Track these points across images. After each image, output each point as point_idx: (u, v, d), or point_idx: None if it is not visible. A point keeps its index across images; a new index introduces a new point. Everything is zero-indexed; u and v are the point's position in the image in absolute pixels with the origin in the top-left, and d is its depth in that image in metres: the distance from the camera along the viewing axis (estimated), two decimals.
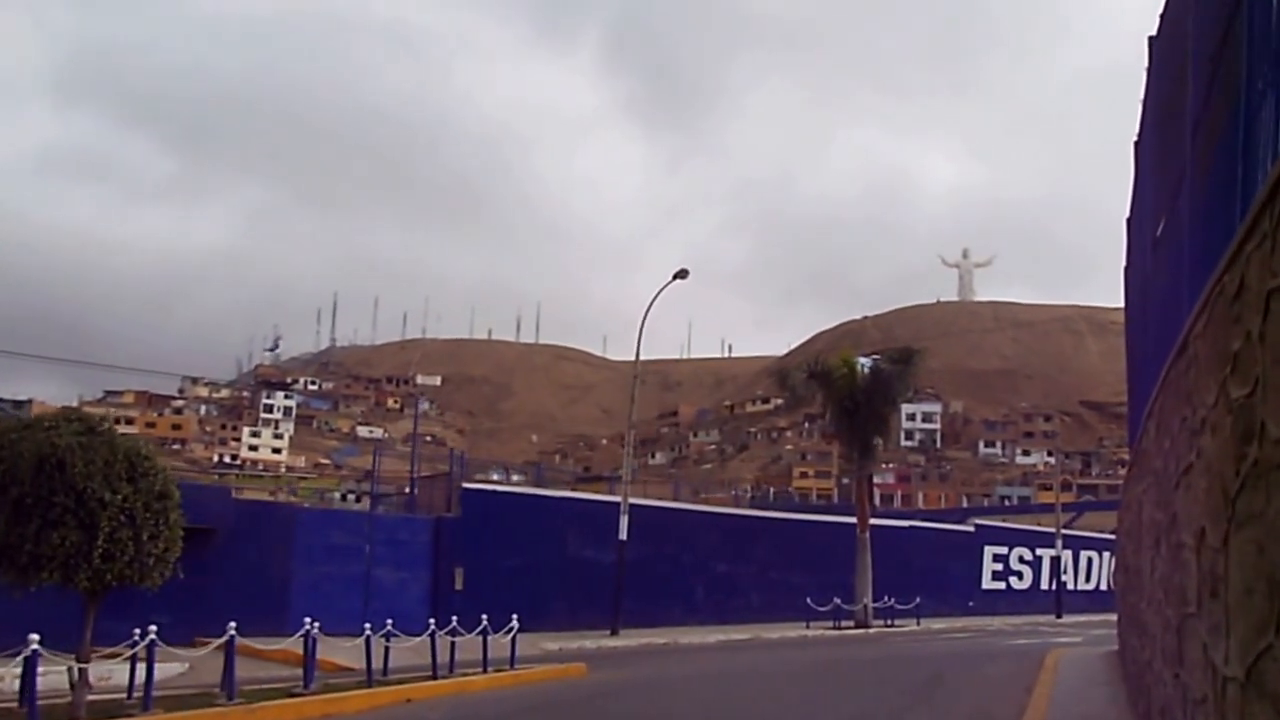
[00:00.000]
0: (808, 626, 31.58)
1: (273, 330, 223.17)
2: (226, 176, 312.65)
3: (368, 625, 15.63)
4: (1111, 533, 46.61)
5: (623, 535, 29.08)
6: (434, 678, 15.50)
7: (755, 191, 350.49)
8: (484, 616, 17.77)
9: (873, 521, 35.99)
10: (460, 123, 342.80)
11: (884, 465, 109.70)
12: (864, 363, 36.04)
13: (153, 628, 12.50)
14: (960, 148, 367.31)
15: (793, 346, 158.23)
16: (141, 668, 12.53)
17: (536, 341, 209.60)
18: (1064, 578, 43.88)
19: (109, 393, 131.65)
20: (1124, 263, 13.87)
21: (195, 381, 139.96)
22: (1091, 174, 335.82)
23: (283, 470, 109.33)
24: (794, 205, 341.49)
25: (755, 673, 19.55)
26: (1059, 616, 40.54)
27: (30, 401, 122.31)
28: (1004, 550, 43.35)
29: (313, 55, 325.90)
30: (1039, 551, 44.31)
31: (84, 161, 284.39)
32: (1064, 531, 44.93)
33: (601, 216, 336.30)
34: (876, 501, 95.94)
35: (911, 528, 42.20)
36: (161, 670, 16.77)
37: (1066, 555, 44.60)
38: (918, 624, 34.45)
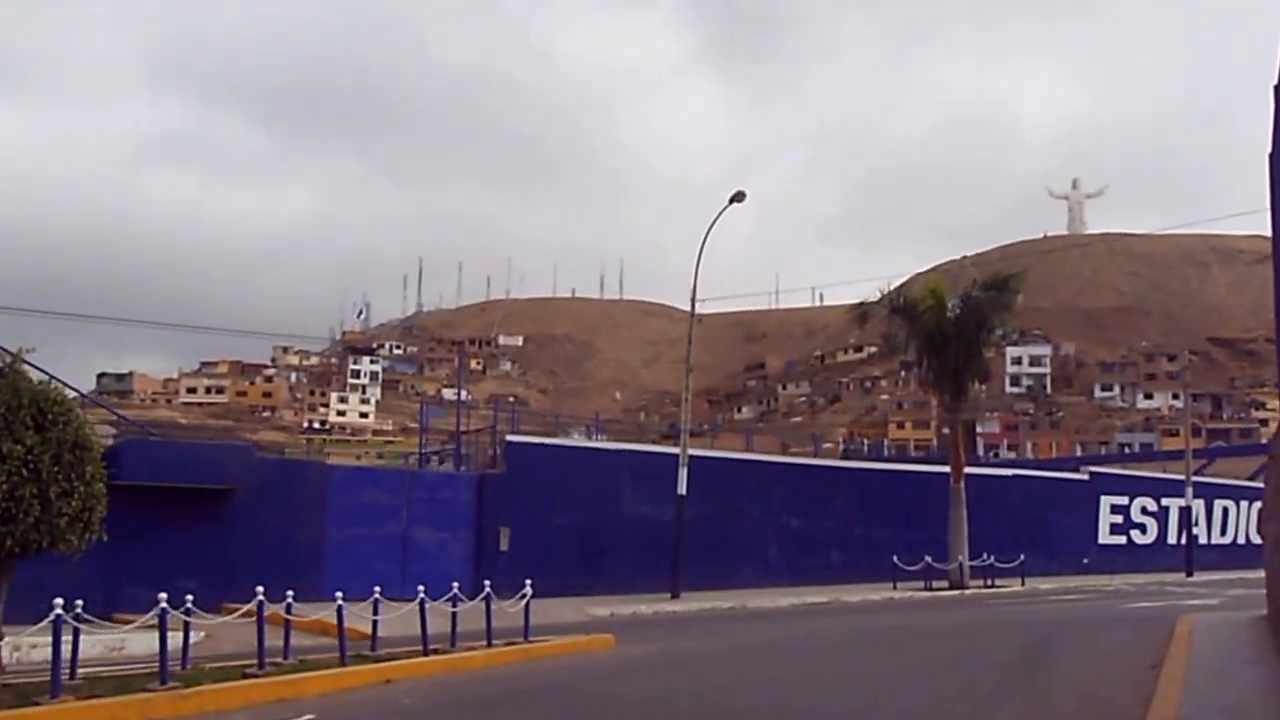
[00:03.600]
0: (894, 588, 28.65)
1: (362, 297, 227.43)
2: (312, 149, 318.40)
3: (374, 589, 13.93)
4: (1251, 478, 41.92)
5: (681, 489, 26.24)
6: (425, 653, 13.38)
7: (840, 133, 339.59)
8: (528, 581, 16.03)
9: (969, 470, 32.37)
10: (539, 82, 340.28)
11: (988, 413, 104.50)
12: (954, 303, 32.07)
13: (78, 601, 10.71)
14: (1063, 72, 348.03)
15: (886, 292, 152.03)
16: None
17: (620, 298, 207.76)
18: (1195, 530, 39.26)
19: (205, 363, 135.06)
20: (1270, 197, 11.00)
21: (286, 350, 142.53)
22: (1214, 91, 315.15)
23: (369, 435, 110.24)
24: (882, 145, 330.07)
25: (819, 642, 16.99)
26: (1189, 574, 36.33)
27: (132, 374, 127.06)
28: (1124, 500, 38.98)
29: (390, 22, 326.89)
30: (1165, 501, 39.78)
31: (177, 144, 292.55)
32: (1195, 479, 40.21)
33: (683, 169, 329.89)
34: (980, 451, 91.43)
35: (1015, 477, 38.28)
36: (177, 639, 15.43)
37: (1198, 505, 39.92)
38: (1022, 584, 31.04)
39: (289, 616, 12.67)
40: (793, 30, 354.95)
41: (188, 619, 11.92)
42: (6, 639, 10.74)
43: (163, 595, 10.76)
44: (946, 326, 30.52)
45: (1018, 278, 31.93)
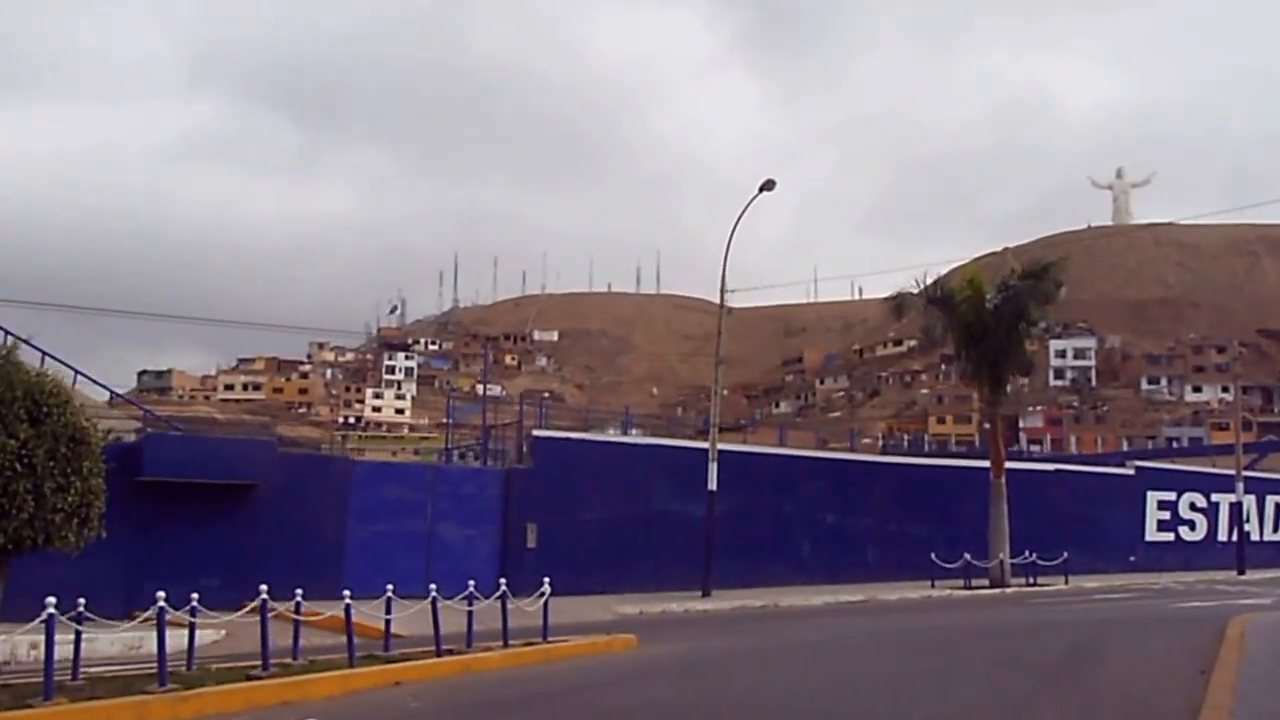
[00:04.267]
0: (932, 586, 27.90)
1: (398, 294, 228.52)
2: (348, 146, 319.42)
3: (387, 587, 13.57)
4: None
5: (712, 485, 25.70)
6: (438, 654, 12.97)
7: (879, 124, 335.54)
8: (546, 579, 15.55)
9: (1010, 465, 31.50)
10: (574, 76, 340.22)
11: (1031, 407, 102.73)
12: (993, 293, 31.15)
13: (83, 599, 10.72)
14: (1106, 59, 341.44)
15: (923, 282, 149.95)
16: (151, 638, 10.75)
17: (656, 292, 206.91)
18: (1246, 527, 37.93)
19: (242, 360, 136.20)
20: None
21: (322, 347, 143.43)
22: (1262, 77, 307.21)
23: (405, 430, 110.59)
24: (922, 136, 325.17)
25: (850, 643, 16.42)
26: (1241, 572, 35.12)
27: (171, 371, 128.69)
28: (1171, 496, 37.77)
29: (425, 18, 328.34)
30: (1215, 497, 38.48)
31: (215, 143, 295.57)
32: (1245, 473, 38.87)
33: (719, 161, 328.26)
34: (1023, 446, 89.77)
35: (1057, 471, 37.20)
36: (197, 638, 15.23)
37: (1249, 501, 38.56)
38: (1065, 583, 30.11)
39: (298, 616, 12.31)
40: (830, 21, 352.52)
41: (193, 619, 11.60)
42: (2, 637, 10.45)
43: (160, 594, 10.40)
44: (985, 317, 29.70)
45: (1057, 266, 30.99)
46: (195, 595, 11.68)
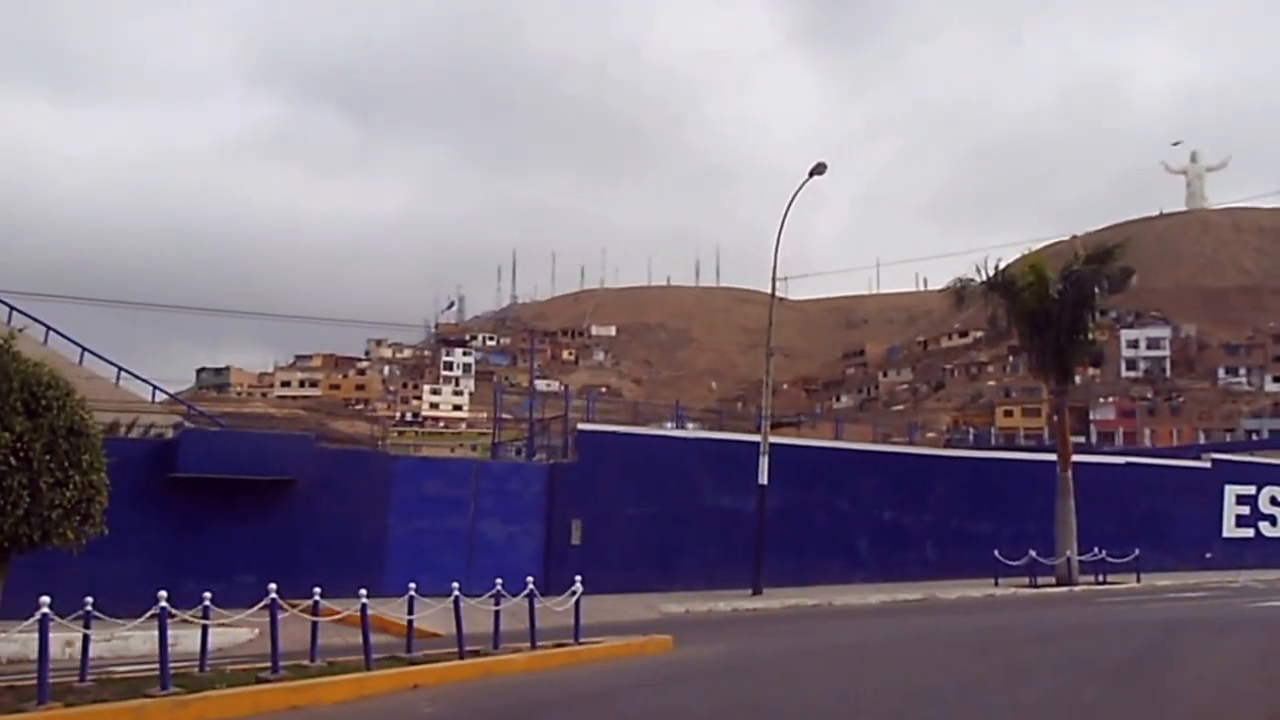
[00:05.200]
0: (996, 584, 26.77)
1: (457, 290, 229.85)
2: (406, 142, 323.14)
3: (410, 586, 13.05)
4: None
5: (762, 479, 24.89)
6: (460, 656, 12.41)
7: (943, 112, 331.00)
8: (577, 577, 14.84)
9: (1078, 458, 30.16)
10: (632, 69, 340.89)
11: (1102, 399, 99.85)
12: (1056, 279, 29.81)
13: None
14: (1179, 40, 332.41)
15: (992, 274, 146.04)
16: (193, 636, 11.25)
17: (716, 285, 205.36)
18: None
19: (299, 357, 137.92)
20: None
21: (379, 343, 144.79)
22: None
23: (463, 427, 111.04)
24: (987, 123, 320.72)
25: (902, 645, 15.57)
26: None
27: (229, 368, 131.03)
28: (1250, 490, 35.96)
29: (482, 14, 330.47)
30: None
31: (274, 141, 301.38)
32: None
33: (780, 153, 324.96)
34: (1094, 439, 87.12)
35: (1128, 465, 35.62)
36: (229, 636, 15.12)
37: None
38: (1137, 580, 28.74)
39: (316, 617, 11.84)
40: (893, 8, 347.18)
41: (206, 619, 11.19)
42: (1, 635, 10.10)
43: (163, 593, 9.96)
44: (1049, 305, 28.43)
45: (1121, 248, 29.57)
46: (208, 595, 11.33)
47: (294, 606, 12.14)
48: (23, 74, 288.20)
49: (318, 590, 12.03)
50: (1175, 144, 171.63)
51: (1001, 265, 30.04)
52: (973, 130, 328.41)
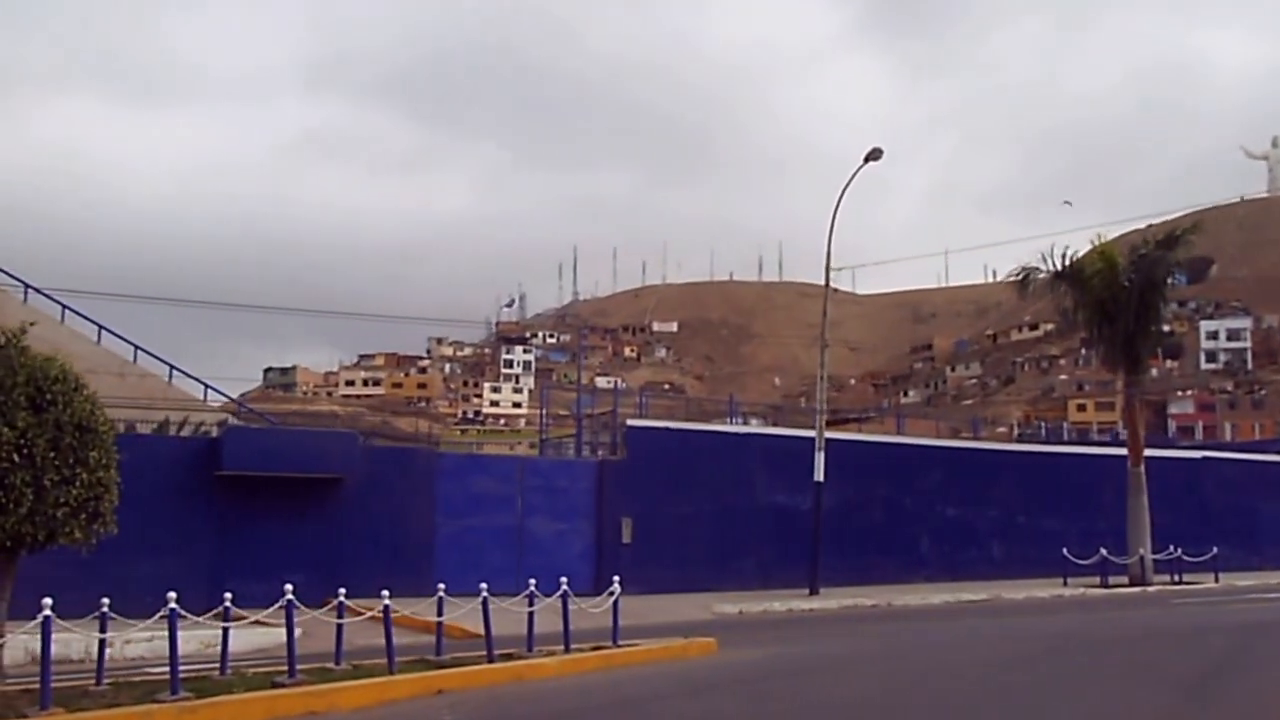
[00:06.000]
0: (1065, 584, 25.77)
1: (518, 288, 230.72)
2: (466, 141, 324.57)
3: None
4: None
5: (818, 475, 24.15)
6: (489, 660, 11.91)
7: (1012, 100, 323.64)
8: (615, 577, 14.46)
9: (1152, 453, 28.86)
10: (692, 63, 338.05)
11: (1180, 392, 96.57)
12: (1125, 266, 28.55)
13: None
14: (1258, 20, 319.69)
15: (1051, 257, 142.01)
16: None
17: (780, 280, 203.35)
18: None
19: (363, 356, 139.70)
20: None
21: (440, 341, 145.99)
22: None
23: (523, 424, 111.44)
24: (1059, 111, 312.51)
25: (962, 649, 14.75)
26: None
27: (295, 368, 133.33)
28: None
29: (540, 11, 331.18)
30: None
31: (335, 141, 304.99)
32: None
33: (844, 145, 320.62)
34: (1171, 433, 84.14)
35: (1205, 459, 34.15)
36: (272, 637, 15.02)
37: None
38: (1215, 580, 27.50)
39: (340, 619, 11.51)
40: None
41: (226, 622, 10.91)
42: (6, 639, 9.92)
43: (172, 595, 9.66)
44: (1119, 293, 27.24)
45: (1190, 231, 28.20)
46: (228, 595, 11.02)
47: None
48: (89, 79, 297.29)
49: (342, 591, 11.74)
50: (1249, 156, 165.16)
51: (1072, 256, 28.85)
52: (1042, 119, 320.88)
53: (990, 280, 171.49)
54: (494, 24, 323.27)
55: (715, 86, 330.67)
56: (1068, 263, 28.41)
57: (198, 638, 14.66)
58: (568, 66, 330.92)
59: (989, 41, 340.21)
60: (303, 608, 11.30)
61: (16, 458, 8.62)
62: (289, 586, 10.74)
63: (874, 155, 24.84)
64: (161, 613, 9.56)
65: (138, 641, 14.44)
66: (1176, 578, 27.38)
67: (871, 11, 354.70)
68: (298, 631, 15.89)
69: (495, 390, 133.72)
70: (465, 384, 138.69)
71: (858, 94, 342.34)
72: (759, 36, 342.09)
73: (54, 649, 13.59)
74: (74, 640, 12.65)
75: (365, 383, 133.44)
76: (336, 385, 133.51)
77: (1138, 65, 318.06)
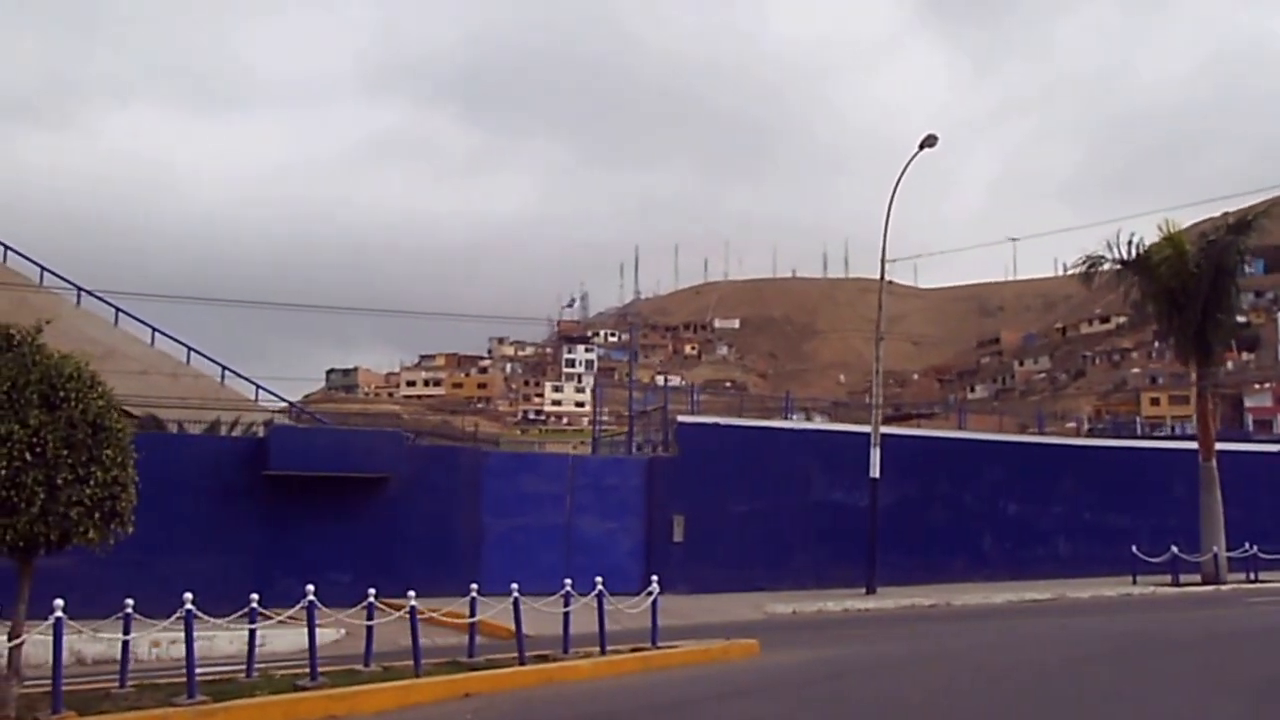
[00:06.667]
0: (1134, 582, 24.90)
1: (580, 286, 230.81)
2: (526, 141, 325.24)
3: (473, 586, 12.82)
4: None
5: (874, 472, 23.56)
6: (521, 661, 11.73)
7: (1080, 89, 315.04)
8: (654, 577, 14.04)
9: (1225, 446, 27.66)
10: (753, 59, 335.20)
11: (1258, 385, 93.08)
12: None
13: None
14: None
15: (1126, 251, 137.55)
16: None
17: (844, 276, 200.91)
18: None
19: (423, 356, 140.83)
20: None
21: (501, 341, 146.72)
22: None
23: (585, 423, 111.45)
24: (1129, 99, 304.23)
25: (1021, 652, 14.06)
26: None
27: (357, 369, 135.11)
28: None
29: (600, 10, 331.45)
30: None
31: (396, 144, 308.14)
32: None
33: (908, 138, 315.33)
34: (1249, 427, 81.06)
35: None
36: (318, 637, 14.91)
37: None
38: None
39: (369, 622, 11.32)
40: None
41: (253, 623, 10.77)
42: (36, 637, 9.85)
43: (188, 595, 9.54)
44: (1188, 281, 26.13)
45: (1264, 214, 26.96)
46: (256, 596, 10.87)
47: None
48: (160, 89, 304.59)
49: (372, 591, 11.57)
50: None
51: (1139, 244, 27.75)
52: (1112, 108, 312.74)
53: (1059, 273, 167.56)
54: (554, 25, 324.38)
55: (776, 82, 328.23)
56: (1135, 251, 27.35)
57: (242, 638, 14.68)
58: (628, 65, 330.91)
59: (1051, 29, 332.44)
60: (328, 609, 11.17)
61: (29, 456, 8.45)
62: (310, 587, 10.63)
63: (929, 142, 24.19)
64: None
65: (181, 643, 14.51)
66: (1252, 576, 26.20)
67: (930, 2, 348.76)
68: (342, 632, 15.93)
69: (557, 389, 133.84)
70: (526, 383, 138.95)
71: (919, 86, 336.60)
72: (819, 31, 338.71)
73: (96, 650, 13.74)
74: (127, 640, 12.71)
75: (426, 383, 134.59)
76: (398, 386, 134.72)
77: (1208, 50, 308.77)
